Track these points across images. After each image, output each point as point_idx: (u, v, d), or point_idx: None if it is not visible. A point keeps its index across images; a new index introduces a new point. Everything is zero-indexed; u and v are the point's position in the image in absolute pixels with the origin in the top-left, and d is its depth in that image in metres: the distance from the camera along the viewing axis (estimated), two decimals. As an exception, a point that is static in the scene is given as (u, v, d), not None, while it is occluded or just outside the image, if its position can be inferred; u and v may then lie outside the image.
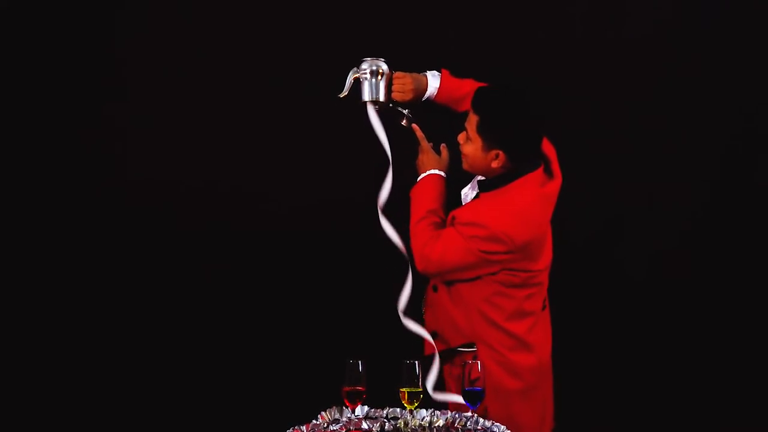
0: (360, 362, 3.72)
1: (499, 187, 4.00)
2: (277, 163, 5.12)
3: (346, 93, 4.17)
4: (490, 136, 3.94)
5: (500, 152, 3.94)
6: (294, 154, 5.13)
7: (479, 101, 3.96)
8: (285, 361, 5.09)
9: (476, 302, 4.02)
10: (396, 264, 4.20)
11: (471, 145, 3.99)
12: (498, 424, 3.75)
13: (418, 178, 4.16)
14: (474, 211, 3.99)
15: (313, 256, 5.14)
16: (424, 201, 4.10)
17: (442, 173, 4.13)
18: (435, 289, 4.11)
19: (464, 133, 4.02)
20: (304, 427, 3.70)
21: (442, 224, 4.07)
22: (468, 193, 4.16)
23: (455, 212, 4.02)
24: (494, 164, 3.96)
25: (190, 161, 5.09)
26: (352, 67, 4.16)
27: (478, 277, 4.00)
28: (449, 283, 4.04)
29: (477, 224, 3.92)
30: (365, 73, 4.15)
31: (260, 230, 5.16)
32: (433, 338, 4.09)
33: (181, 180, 5.09)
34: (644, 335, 5.22)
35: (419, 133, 4.17)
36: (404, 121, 4.18)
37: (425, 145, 4.17)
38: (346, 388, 3.71)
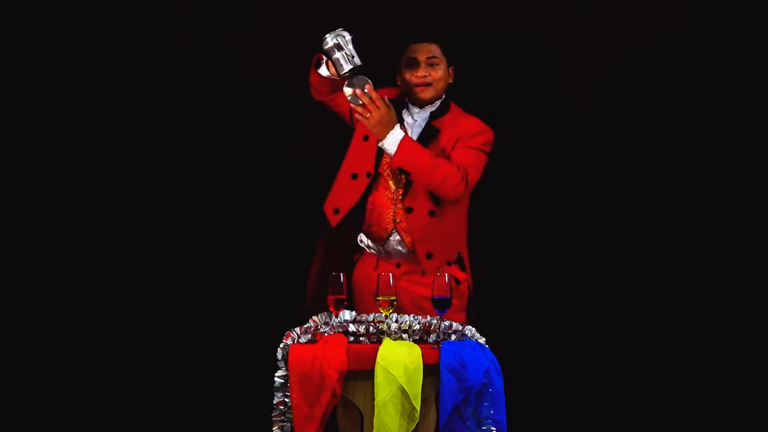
0: (342, 275, 4.08)
1: (448, 110, 4.48)
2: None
3: (346, 71, 4.26)
4: (449, 55, 4.50)
5: (452, 67, 4.50)
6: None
7: (435, 32, 4.50)
8: (281, 276, 5.11)
9: (464, 212, 4.51)
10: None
11: (440, 70, 4.48)
12: (469, 326, 4.10)
13: (393, 144, 4.31)
14: (473, 122, 4.47)
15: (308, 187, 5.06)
16: (420, 155, 4.33)
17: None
18: (409, 210, 4.43)
19: (421, 67, 4.41)
20: (297, 329, 4.08)
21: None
22: (413, 123, 4.52)
23: (456, 134, 4.42)
24: (450, 80, 4.53)
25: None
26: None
27: None
28: (437, 204, 4.41)
29: (483, 130, 4.46)
30: (333, 49, 4.25)
31: (252, 156, 5.23)
32: (428, 258, 4.43)
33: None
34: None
35: (374, 94, 4.29)
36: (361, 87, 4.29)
37: (384, 103, 4.31)
38: (331, 297, 4.09)
